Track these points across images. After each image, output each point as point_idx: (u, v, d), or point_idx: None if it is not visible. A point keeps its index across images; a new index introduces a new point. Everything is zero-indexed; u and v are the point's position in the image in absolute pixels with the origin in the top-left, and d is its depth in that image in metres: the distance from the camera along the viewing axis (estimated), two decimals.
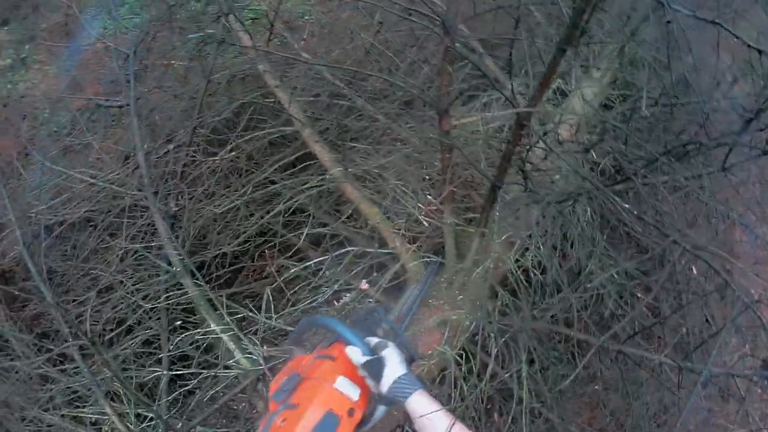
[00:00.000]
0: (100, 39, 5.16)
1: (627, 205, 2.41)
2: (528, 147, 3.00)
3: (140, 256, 3.69)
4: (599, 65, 4.49)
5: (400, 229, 3.53)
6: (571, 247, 3.53)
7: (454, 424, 1.55)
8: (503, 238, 3.33)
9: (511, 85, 2.68)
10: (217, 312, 3.36)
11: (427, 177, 3.62)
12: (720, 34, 2.15)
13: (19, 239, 3.61)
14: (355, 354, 1.76)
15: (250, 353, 3.25)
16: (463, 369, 3.18)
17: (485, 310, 3.23)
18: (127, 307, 3.62)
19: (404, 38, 4.32)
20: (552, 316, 3.30)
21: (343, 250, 3.59)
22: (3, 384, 3.54)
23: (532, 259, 3.41)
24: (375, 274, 3.61)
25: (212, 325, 3.32)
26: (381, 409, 1.74)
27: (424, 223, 3.39)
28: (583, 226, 3.46)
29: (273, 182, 4.00)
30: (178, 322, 3.67)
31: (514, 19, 3.15)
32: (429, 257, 3.44)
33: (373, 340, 1.84)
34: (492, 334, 3.10)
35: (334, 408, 1.68)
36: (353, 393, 1.75)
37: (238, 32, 4.16)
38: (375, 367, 1.71)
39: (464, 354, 3.20)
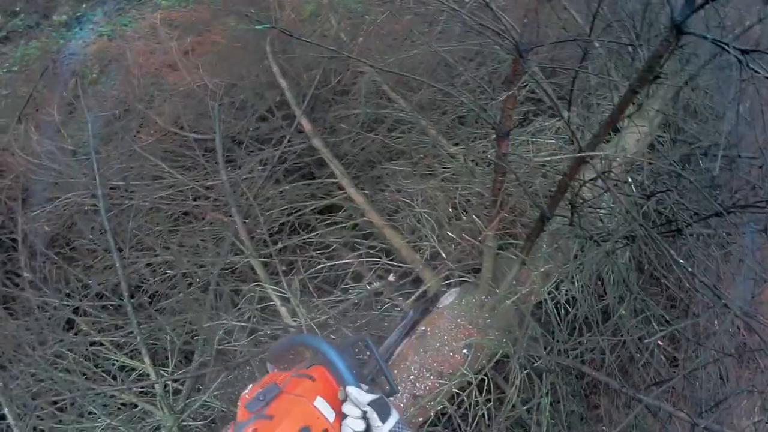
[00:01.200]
0: None
1: (681, 261, 2.36)
2: (582, 182, 2.96)
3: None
4: (653, 105, 4.44)
5: (422, 250, 3.55)
6: (602, 285, 3.50)
7: None
8: (542, 269, 3.31)
9: (568, 117, 2.65)
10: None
11: (464, 200, 3.58)
12: None
13: (101, 206, 3.81)
14: (360, 394, 1.73)
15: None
16: (481, 394, 3.16)
17: (513, 338, 3.21)
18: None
19: (464, 52, 4.29)
20: (579, 355, 3.26)
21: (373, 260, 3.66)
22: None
23: (566, 293, 3.39)
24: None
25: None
26: None
27: (462, 242, 3.39)
28: (619, 268, 3.42)
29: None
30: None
31: (582, 50, 3.12)
32: (456, 278, 3.49)
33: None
34: (517, 365, 3.07)
35: (310, 425, 1.66)
36: (330, 415, 1.73)
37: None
38: (384, 408, 1.70)
39: (486, 380, 3.17)
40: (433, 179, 3.71)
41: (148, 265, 3.90)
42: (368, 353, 2.11)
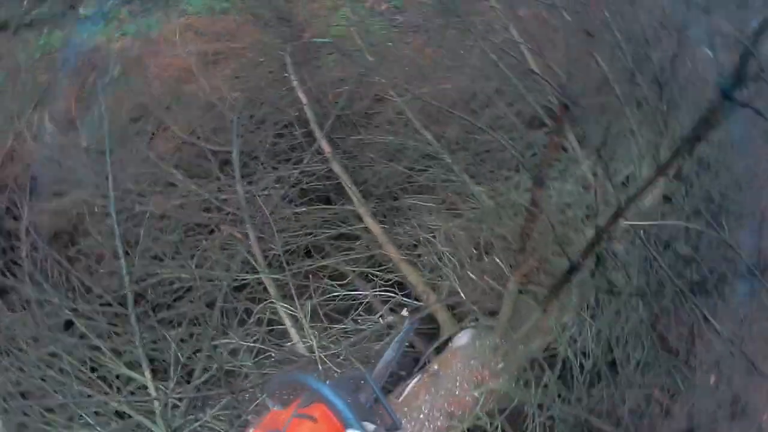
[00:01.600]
0: None
1: (718, 327, 2.33)
2: (609, 235, 2.94)
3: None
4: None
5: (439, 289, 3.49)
6: (614, 338, 3.46)
7: None
8: (560, 320, 3.25)
9: (596, 167, 2.64)
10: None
11: (488, 242, 3.50)
12: None
13: (111, 206, 3.73)
14: None
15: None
16: None
17: (525, 384, 3.15)
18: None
19: (493, 89, 4.28)
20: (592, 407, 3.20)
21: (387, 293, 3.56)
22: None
23: (581, 344, 3.33)
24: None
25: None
26: None
27: (481, 284, 3.33)
28: (637, 323, 3.38)
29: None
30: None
31: (618, 98, 3.13)
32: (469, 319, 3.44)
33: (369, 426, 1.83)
34: (533, 413, 3.00)
35: None
36: None
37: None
38: None
39: (498, 427, 3.08)
40: (457, 218, 3.64)
41: (154, 274, 3.73)
42: (368, 388, 2.09)
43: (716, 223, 3.70)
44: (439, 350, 3.43)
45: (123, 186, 4.00)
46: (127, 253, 3.71)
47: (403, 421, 2.71)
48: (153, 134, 4.56)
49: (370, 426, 1.80)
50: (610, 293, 2.96)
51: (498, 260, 3.39)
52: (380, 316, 3.52)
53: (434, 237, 3.61)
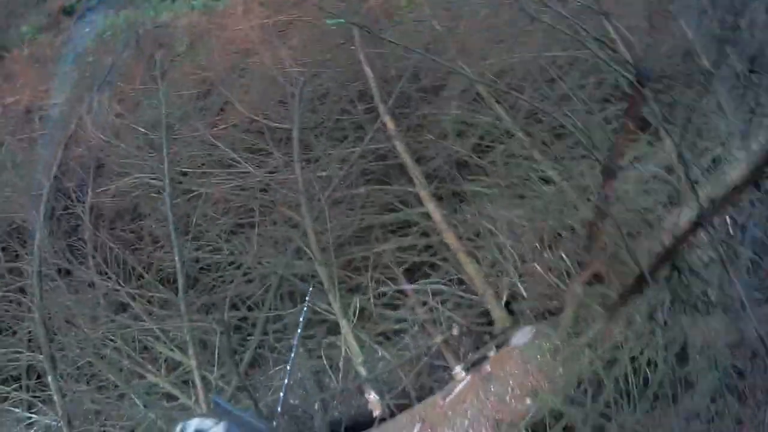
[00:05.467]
0: None
1: None
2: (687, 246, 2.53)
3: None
4: None
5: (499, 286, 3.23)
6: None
7: None
8: (627, 331, 2.90)
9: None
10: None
11: (554, 234, 3.15)
12: None
13: (167, 190, 3.73)
14: None
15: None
16: None
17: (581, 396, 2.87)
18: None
19: (567, 59, 3.76)
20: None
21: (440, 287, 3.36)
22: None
23: (648, 358, 2.98)
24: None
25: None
26: None
27: (545, 283, 3.03)
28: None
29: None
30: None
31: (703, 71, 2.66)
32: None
33: None
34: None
35: None
36: None
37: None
38: None
39: None
40: (521, 208, 3.29)
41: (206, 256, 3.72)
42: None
43: None
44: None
45: (181, 167, 4.00)
46: (186, 233, 3.72)
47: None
48: (221, 110, 4.53)
49: None
50: (686, 304, 2.59)
51: (564, 256, 3.09)
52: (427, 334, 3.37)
53: (496, 227, 3.33)
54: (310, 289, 3.34)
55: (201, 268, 3.75)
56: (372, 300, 3.46)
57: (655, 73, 2.23)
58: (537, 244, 3.19)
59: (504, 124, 3.69)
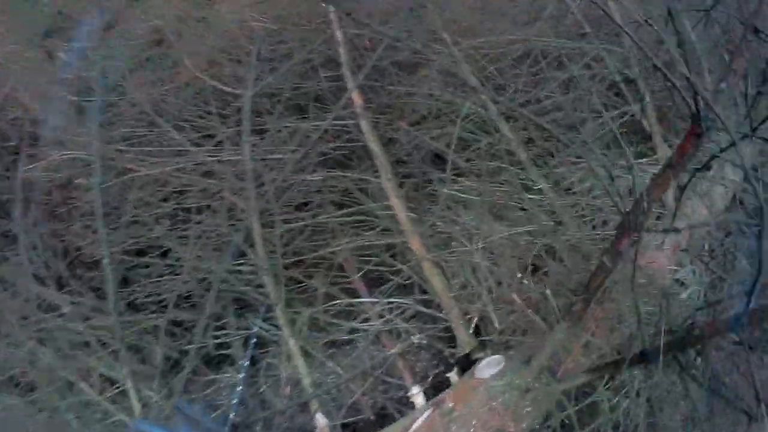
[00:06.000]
0: None
1: None
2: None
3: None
4: None
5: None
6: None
7: None
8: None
9: None
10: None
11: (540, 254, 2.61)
12: None
13: (96, 172, 3.06)
14: None
15: None
16: None
17: None
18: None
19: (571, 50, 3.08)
20: None
21: (398, 301, 2.85)
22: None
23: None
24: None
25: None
26: None
27: (521, 314, 2.55)
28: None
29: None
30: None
31: None
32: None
33: None
34: None
35: None
36: None
37: None
38: None
39: None
40: (502, 221, 2.69)
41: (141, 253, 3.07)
42: None
43: None
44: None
45: (114, 143, 3.22)
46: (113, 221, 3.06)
47: None
48: (172, 68, 3.63)
49: None
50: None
51: (548, 292, 2.46)
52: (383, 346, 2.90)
53: (471, 241, 2.72)
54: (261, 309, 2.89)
55: (134, 266, 3.06)
56: (323, 309, 2.90)
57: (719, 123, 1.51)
58: (517, 269, 2.60)
59: (489, 115, 2.96)
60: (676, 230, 1.67)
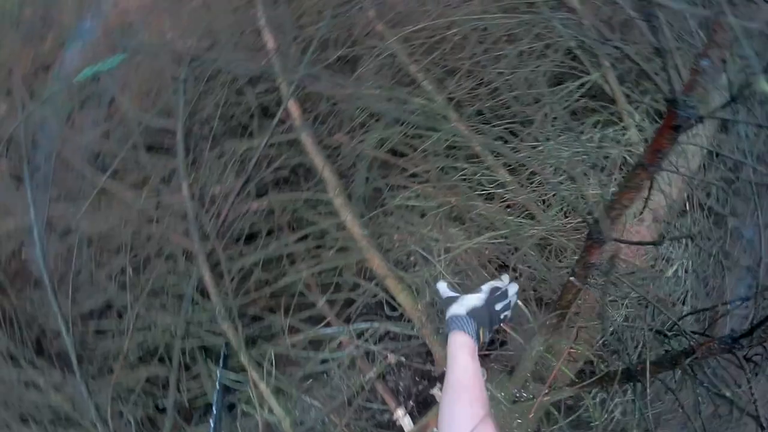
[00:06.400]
0: None
1: None
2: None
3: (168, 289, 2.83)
4: None
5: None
6: None
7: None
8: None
9: None
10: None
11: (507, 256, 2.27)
12: None
13: (35, 240, 2.77)
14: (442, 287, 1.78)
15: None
16: None
17: None
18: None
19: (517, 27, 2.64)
20: None
21: (364, 326, 2.61)
22: None
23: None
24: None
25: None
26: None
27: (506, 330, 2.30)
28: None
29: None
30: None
31: None
32: None
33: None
34: None
35: None
36: None
37: None
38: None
39: None
40: (462, 227, 2.39)
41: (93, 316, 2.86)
42: None
43: None
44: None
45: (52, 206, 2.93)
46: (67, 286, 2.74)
47: None
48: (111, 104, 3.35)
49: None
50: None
51: (520, 303, 2.26)
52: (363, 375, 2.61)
53: (432, 254, 2.38)
54: (223, 351, 2.60)
55: (97, 331, 2.86)
56: (290, 344, 2.65)
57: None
58: (486, 275, 2.23)
59: (438, 107, 2.61)
60: (657, 243, 1.36)
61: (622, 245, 2.10)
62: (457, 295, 1.69)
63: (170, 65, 3.13)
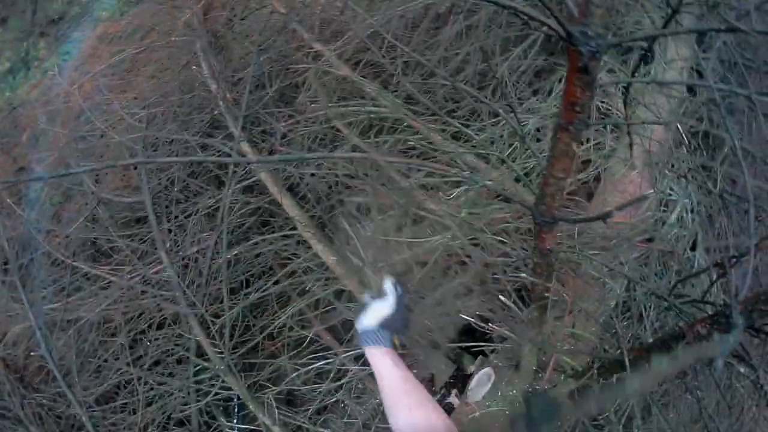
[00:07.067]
0: None
1: None
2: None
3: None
4: None
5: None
6: None
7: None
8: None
9: None
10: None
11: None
12: None
13: (40, 341, 2.86)
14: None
15: None
16: None
17: None
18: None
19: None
20: None
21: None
22: None
23: None
24: None
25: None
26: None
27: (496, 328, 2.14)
28: None
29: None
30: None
31: None
32: None
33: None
34: None
35: None
36: None
37: None
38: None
39: None
40: (420, 226, 2.20)
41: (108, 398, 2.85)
42: None
43: None
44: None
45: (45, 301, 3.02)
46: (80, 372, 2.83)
47: None
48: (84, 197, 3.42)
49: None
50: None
51: (504, 299, 2.00)
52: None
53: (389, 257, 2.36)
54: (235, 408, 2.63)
55: (116, 409, 2.82)
56: (297, 383, 2.56)
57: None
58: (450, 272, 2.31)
59: (387, 108, 2.53)
60: (605, 217, 1.13)
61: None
62: (369, 303, 1.65)
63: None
